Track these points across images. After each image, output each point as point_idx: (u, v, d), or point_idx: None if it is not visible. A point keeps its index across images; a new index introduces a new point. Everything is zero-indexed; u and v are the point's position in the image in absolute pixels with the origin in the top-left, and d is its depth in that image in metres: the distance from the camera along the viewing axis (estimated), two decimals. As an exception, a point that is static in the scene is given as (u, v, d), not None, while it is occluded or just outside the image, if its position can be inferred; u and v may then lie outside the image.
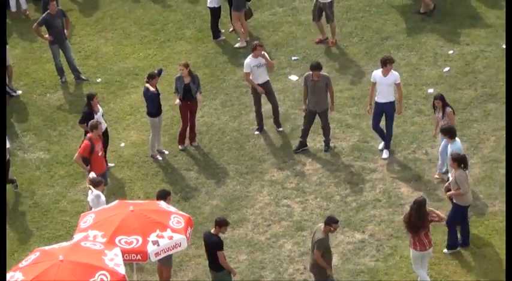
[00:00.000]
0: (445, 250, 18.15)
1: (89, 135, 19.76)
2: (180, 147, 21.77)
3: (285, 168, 21.00)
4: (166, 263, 17.85)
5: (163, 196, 17.91)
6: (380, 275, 18.17)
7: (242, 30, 24.77)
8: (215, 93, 23.21)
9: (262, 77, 21.66)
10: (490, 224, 18.86)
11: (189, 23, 25.73)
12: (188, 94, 21.33)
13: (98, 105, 21.03)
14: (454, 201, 18.17)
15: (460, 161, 17.81)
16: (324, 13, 24.26)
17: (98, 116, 20.85)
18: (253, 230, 19.23)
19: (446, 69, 23.21)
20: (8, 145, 19.97)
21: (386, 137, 20.96)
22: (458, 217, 18.25)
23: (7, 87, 23.67)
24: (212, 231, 17.07)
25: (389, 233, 19.15)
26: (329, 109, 21.16)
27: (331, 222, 16.64)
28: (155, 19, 26.18)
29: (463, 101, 21.67)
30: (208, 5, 24.83)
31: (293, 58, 23.66)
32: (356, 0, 25.90)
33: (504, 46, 23.41)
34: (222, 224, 17.06)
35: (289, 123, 22.20)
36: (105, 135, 21.15)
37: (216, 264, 17.18)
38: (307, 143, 21.53)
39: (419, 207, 17.09)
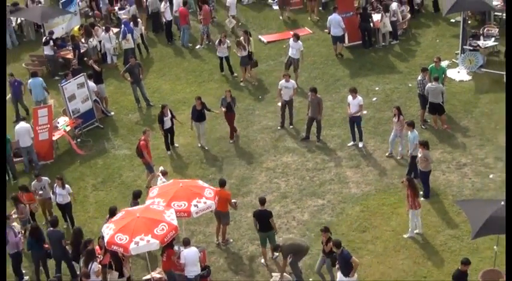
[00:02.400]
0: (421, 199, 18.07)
1: (143, 137, 19.88)
2: (230, 141, 21.87)
3: (275, 160, 20.97)
4: (225, 221, 17.90)
5: (224, 182, 17.82)
6: (333, 225, 18.13)
7: (247, 75, 24.61)
8: (232, 114, 23.20)
9: (286, 95, 21.66)
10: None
11: (216, 70, 25.62)
12: (230, 108, 21.40)
13: (168, 112, 21.16)
14: (421, 169, 18.51)
15: (426, 145, 18.34)
16: (292, 65, 24.05)
17: (167, 119, 21.08)
18: (256, 198, 19.08)
19: (374, 99, 23.11)
20: (70, 190, 18.85)
21: (359, 134, 20.87)
22: (424, 178, 18.53)
23: (105, 110, 23.74)
24: (260, 208, 17.04)
25: (339, 200, 19.16)
26: (319, 116, 21.07)
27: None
28: (195, 68, 26.14)
29: (384, 118, 21.66)
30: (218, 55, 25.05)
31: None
32: (319, 57, 25.77)
33: (410, 85, 23.44)
34: (262, 202, 17.08)
35: (279, 133, 22.10)
36: (170, 131, 21.37)
37: (265, 227, 16.96)
38: (294, 141, 21.62)
39: (412, 180, 17.58)
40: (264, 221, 16.98)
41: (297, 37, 24.12)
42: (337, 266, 15.87)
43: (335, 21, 25.24)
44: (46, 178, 19.05)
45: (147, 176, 20.23)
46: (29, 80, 23.77)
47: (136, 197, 17.78)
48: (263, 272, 17.28)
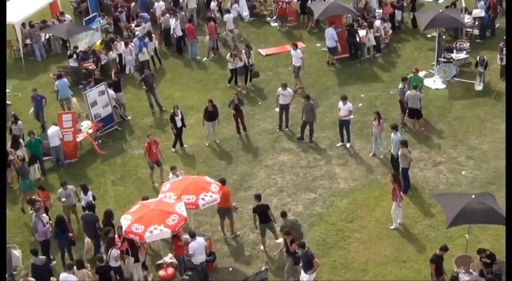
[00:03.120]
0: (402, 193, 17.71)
1: (148, 140, 19.82)
2: (237, 135, 21.94)
3: (273, 158, 20.91)
4: (230, 216, 17.75)
5: (224, 180, 17.74)
6: (324, 216, 18.21)
7: (244, 84, 24.61)
8: (235, 118, 23.13)
9: (284, 101, 21.64)
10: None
11: (221, 80, 25.58)
12: (238, 109, 21.59)
13: (179, 112, 21.18)
14: (401, 166, 18.40)
15: (405, 144, 18.26)
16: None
17: (178, 118, 21.10)
18: (256, 192, 19.08)
19: (360, 105, 23.03)
20: (90, 198, 18.12)
21: (347, 136, 20.82)
22: (405, 174, 18.39)
23: (123, 115, 23.64)
24: (257, 203, 16.99)
25: (329, 194, 19.13)
26: (314, 121, 21.07)
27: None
28: (202, 78, 26.06)
29: (369, 122, 21.39)
30: (229, 67, 24.80)
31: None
32: (311, 68, 25.53)
33: (392, 92, 23.37)
34: (258, 198, 17.08)
35: (276, 135, 22.06)
36: (181, 131, 21.34)
37: (266, 219, 16.95)
38: (284, 142, 21.54)
39: (396, 175, 17.54)
40: (263, 214, 16.95)
41: (295, 46, 24.18)
42: (300, 264, 15.70)
43: (329, 34, 25.36)
44: (71, 187, 18.60)
45: (160, 174, 20.14)
46: (56, 82, 23.84)
47: None
48: (262, 257, 17.25)
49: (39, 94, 23.18)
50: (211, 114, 21.37)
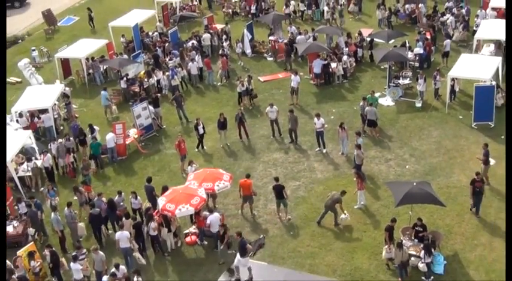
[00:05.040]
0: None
1: (178, 139, 19.88)
2: (240, 140, 21.71)
3: (268, 156, 20.83)
4: (251, 201, 17.53)
5: (249, 175, 17.60)
6: (306, 198, 18.15)
7: (245, 102, 24.39)
8: (241, 127, 23.02)
9: (272, 116, 21.51)
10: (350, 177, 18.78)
11: (231, 99, 25.42)
12: (241, 120, 21.55)
13: (201, 122, 21.19)
14: (356, 163, 18.16)
15: (359, 147, 18.13)
16: (294, 91, 23.92)
17: (200, 127, 21.06)
18: (256, 181, 19.08)
19: (332, 117, 22.93)
20: (140, 201, 17.53)
21: (322, 142, 20.56)
22: (358, 168, 18.14)
23: (159, 124, 23.56)
24: (276, 183, 16.98)
25: (310, 182, 19.06)
26: (296, 128, 20.98)
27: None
28: (217, 97, 25.89)
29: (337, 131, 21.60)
30: (238, 90, 24.68)
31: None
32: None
33: (355, 108, 23.32)
34: (277, 179, 17.00)
35: (271, 139, 21.98)
36: (202, 136, 21.23)
37: (280, 195, 16.89)
38: (278, 145, 21.38)
39: (358, 172, 17.34)
40: (279, 192, 16.97)
41: (296, 73, 24.10)
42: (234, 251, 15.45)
43: (317, 63, 25.34)
44: (123, 195, 18.00)
45: (182, 165, 20.11)
46: (102, 92, 24.44)
47: None
48: (261, 228, 17.20)
49: (76, 123, 22.91)
50: (222, 124, 21.39)
